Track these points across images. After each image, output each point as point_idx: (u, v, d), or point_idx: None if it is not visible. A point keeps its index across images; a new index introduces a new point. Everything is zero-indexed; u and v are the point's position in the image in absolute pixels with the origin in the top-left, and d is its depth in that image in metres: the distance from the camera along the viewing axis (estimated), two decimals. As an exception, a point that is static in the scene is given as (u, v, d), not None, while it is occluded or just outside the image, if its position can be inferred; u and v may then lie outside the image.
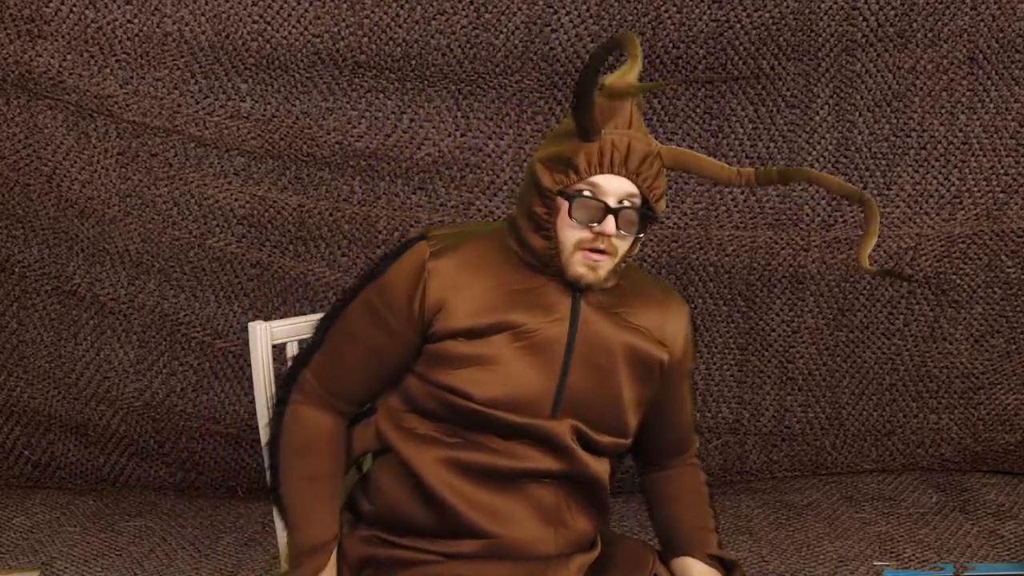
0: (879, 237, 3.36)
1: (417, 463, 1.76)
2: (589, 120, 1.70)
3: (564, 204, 1.72)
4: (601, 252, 1.72)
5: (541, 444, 1.76)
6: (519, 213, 1.79)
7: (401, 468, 1.78)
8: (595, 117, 1.71)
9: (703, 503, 1.95)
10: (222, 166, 3.24)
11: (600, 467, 1.82)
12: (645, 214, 1.74)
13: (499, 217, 3.27)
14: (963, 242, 3.38)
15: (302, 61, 3.19)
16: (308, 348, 1.84)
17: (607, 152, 1.71)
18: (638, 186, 1.72)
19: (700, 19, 3.21)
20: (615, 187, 1.72)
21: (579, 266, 1.73)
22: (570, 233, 1.73)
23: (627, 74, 1.75)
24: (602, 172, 1.71)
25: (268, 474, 1.84)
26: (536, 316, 1.75)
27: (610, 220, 1.70)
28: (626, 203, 1.73)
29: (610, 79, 1.75)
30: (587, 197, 1.71)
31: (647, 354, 1.82)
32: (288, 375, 1.84)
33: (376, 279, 1.78)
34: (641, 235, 1.77)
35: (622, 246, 1.74)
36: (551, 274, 1.77)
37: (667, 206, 3.31)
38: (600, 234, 1.71)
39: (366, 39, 3.18)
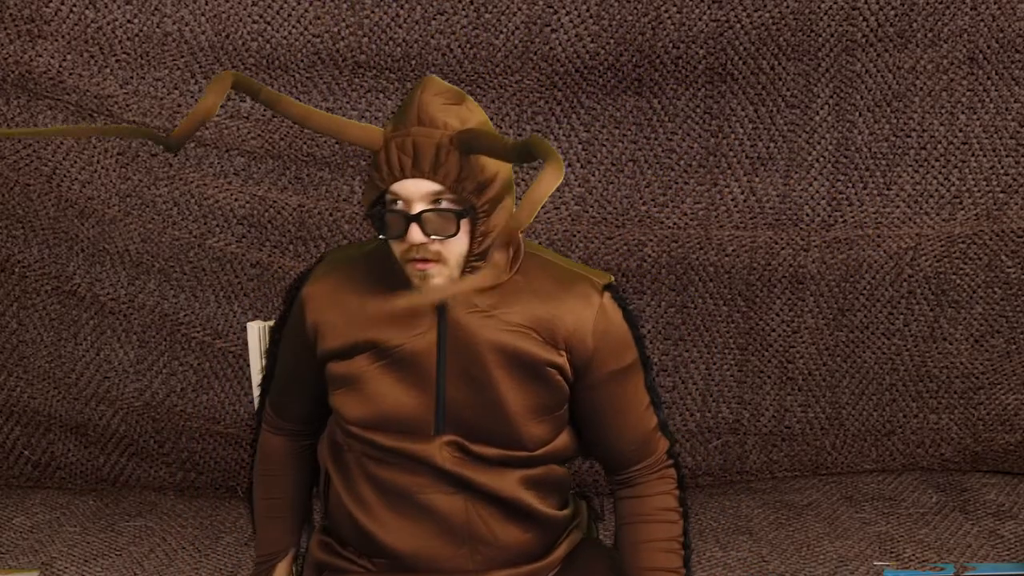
0: (880, 238, 3.37)
1: (336, 477, 1.79)
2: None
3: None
4: (426, 260, 1.62)
5: (421, 464, 1.71)
6: None
7: (332, 483, 1.81)
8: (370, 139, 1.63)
9: (671, 537, 1.82)
10: (222, 166, 3.24)
11: (499, 482, 1.72)
12: (456, 211, 1.60)
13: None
14: (963, 242, 3.38)
15: (302, 61, 3.19)
16: (265, 377, 1.94)
17: (393, 158, 1.60)
18: (440, 183, 1.59)
19: (700, 19, 3.21)
20: (416, 190, 1.60)
21: (413, 278, 1.65)
22: (394, 247, 1.65)
23: (188, 124, 1.54)
24: (396, 179, 1.60)
25: (246, 489, 2.05)
26: (401, 331, 1.68)
27: (413, 228, 1.59)
28: (440, 203, 1.61)
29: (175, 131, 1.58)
30: (382, 211, 1.62)
31: (529, 356, 1.68)
32: (259, 403, 1.96)
33: (287, 312, 1.85)
34: (483, 227, 1.63)
35: (453, 248, 1.62)
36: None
37: (667, 206, 3.31)
38: (413, 245, 1.61)
39: (366, 39, 3.18)
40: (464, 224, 1.62)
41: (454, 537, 1.73)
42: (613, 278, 1.77)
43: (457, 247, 1.63)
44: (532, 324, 1.69)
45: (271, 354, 1.89)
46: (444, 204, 1.61)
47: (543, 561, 1.80)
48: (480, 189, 1.62)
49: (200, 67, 3.18)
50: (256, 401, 1.98)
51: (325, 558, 1.83)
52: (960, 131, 3.34)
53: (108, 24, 3.12)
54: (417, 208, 1.60)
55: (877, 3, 3.24)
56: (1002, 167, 3.37)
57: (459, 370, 1.69)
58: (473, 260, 1.65)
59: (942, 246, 3.38)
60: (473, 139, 1.59)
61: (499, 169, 1.64)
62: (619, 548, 1.83)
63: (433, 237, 1.61)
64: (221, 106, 3.17)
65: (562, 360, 1.70)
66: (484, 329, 1.68)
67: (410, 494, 1.72)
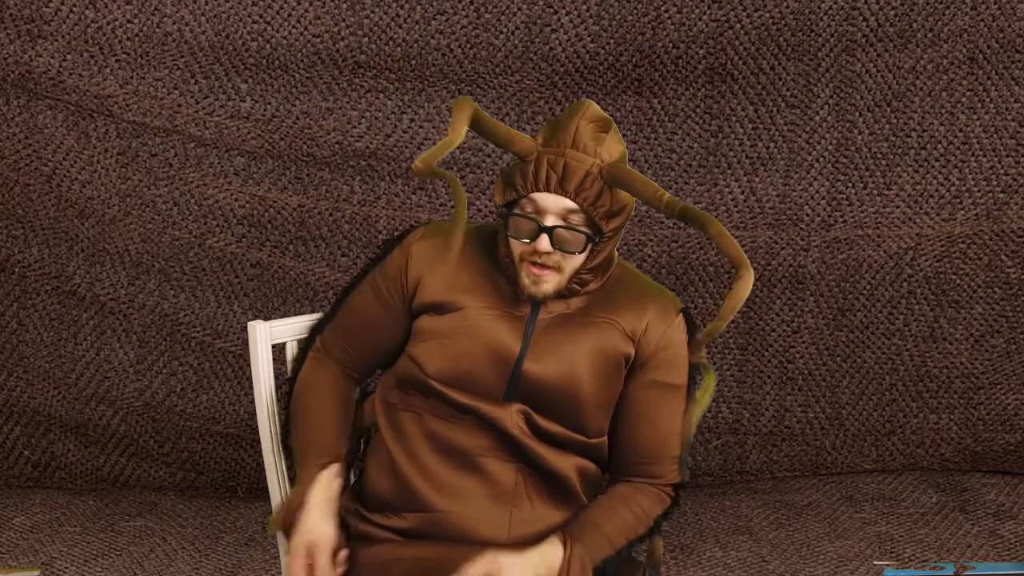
0: (880, 238, 3.37)
1: (388, 434, 1.84)
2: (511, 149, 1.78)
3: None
4: (544, 267, 1.76)
5: (488, 427, 1.79)
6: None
7: (379, 440, 1.86)
8: (522, 146, 1.77)
9: (632, 520, 1.80)
10: (222, 166, 3.24)
11: (559, 460, 1.80)
12: (587, 234, 1.75)
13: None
14: (963, 242, 3.38)
15: (302, 61, 3.19)
16: (324, 318, 1.96)
17: (541, 172, 1.74)
18: (579, 204, 1.74)
19: (700, 19, 3.21)
20: (553, 204, 1.74)
21: (525, 277, 1.78)
22: (515, 245, 1.78)
23: (436, 153, 1.74)
24: (538, 191, 1.74)
25: (280, 427, 1.96)
26: (500, 303, 1.81)
27: (543, 238, 1.74)
28: (570, 220, 1.74)
29: (420, 158, 1.75)
30: (519, 215, 1.75)
31: (612, 348, 1.80)
32: (306, 339, 1.96)
33: (382, 260, 1.91)
34: (601, 248, 1.78)
35: (571, 262, 1.77)
36: (513, 277, 1.81)
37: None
38: (536, 251, 1.75)
39: (366, 39, 3.18)
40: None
41: (499, 504, 1.78)
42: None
43: (574, 262, 1.77)
44: (618, 317, 1.81)
45: (345, 293, 1.94)
46: (574, 221, 1.75)
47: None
48: (610, 216, 1.77)
49: (200, 67, 3.18)
50: (301, 348, 1.97)
51: (351, 522, 1.85)
52: (960, 131, 3.34)
53: (108, 24, 3.12)
54: (550, 220, 1.75)
55: (877, 3, 3.24)
56: (1002, 167, 3.37)
57: (541, 349, 1.79)
58: (583, 274, 1.79)
59: (942, 246, 3.38)
60: (622, 178, 1.75)
61: (628, 202, 1.80)
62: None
63: (560, 250, 1.75)
64: (221, 106, 3.19)
65: (631, 352, 1.82)
66: (574, 319, 1.81)
67: (469, 455, 1.79)
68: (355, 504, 1.87)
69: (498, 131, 1.78)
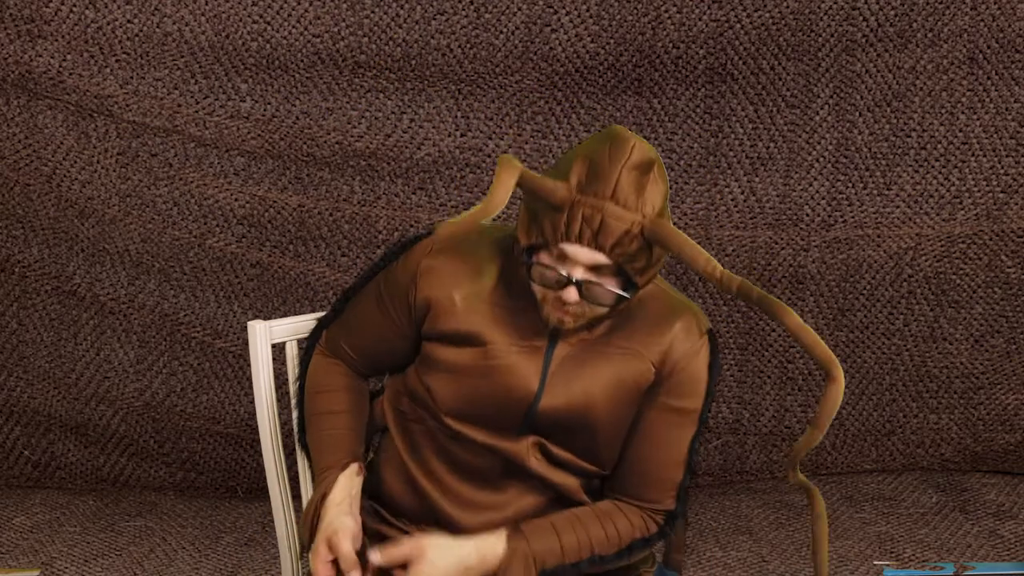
0: (880, 238, 3.37)
1: (401, 444, 1.78)
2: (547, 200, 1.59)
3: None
4: (567, 313, 1.63)
5: (504, 460, 1.72)
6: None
7: (392, 448, 1.80)
8: (555, 195, 1.58)
9: (605, 536, 1.73)
10: (222, 166, 3.24)
11: (569, 480, 1.75)
12: (621, 296, 1.61)
13: (501, 220, 3.27)
14: (963, 242, 3.38)
15: (302, 61, 3.19)
16: (330, 314, 1.88)
17: (575, 224, 1.57)
18: (612, 260, 1.59)
19: (700, 19, 3.21)
20: (584, 257, 1.59)
21: (547, 317, 1.66)
22: (537, 288, 1.65)
23: (471, 217, 1.57)
24: (569, 243, 1.58)
25: (296, 426, 1.91)
26: (515, 336, 1.69)
27: (571, 290, 1.60)
28: (601, 272, 1.60)
29: (447, 224, 1.59)
30: (545, 267, 1.60)
31: (631, 378, 1.70)
32: (311, 336, 1.90)
33: (387, 267, 1.79)
34: (627, 295, 1.63)
35: (596, 310, 1.64)
36: (534, 302, 1.69)
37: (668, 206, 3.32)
38: (561, 299, 1.61)
39: (366, 39, 3.18)
40: None
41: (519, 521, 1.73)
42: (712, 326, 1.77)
43: (599, 310, 1.65)
44: (640, 346, 1.70)
45: (350, 291, 1.84)
46: (605, 273, 1.61)
47: None
48: (644, 271, 1.63)
49: (200, 67, 3.18)
50: (306, 345, 1.91)
51: (367, 522, 1.80)
52: (960, 131, 3.34)
53: (108, 24, 3.12)
54: (579, 272, 1.60)
55: (877, 3, 3.24)
56: (1002, 167, 3.37)
57: (559, 383, 1.70)
58: (606, 318, 1.68)
59: (942, 246, 3.38)
60: (665, 240, 1.58)
61: (662, 254, 1.64)
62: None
63: (587, 303, 1.61)
64: (221, 106, 3.19)
65: (651, 379, 1.71)
66: (596, 352, 1.70)
67: (488, 475, 1.73)
68: (371, 502, 1.83)
69: (543, 187, 1.58)
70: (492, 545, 1.66)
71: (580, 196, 1.57)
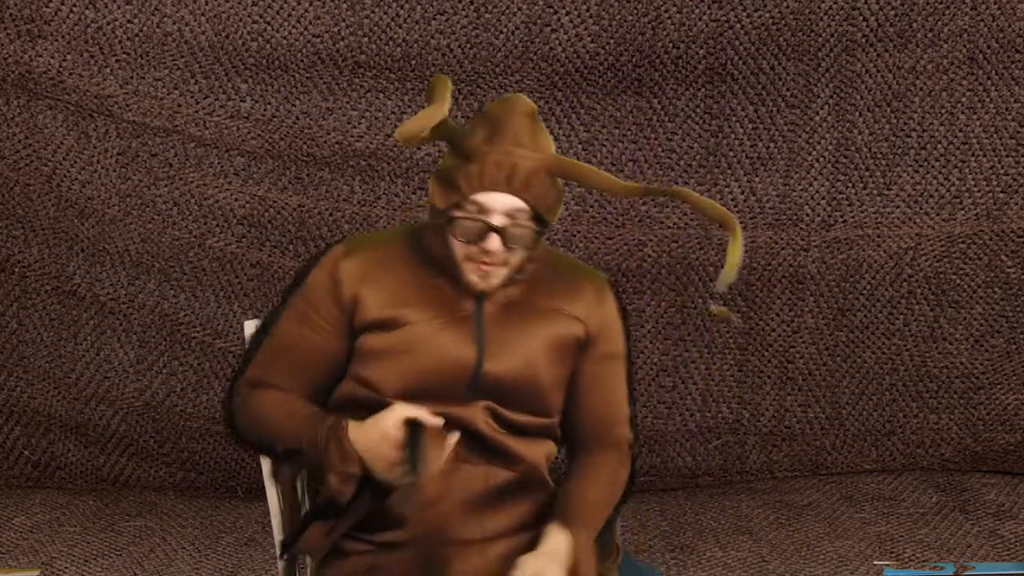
0: (880, 238, 3.37)
1: None
2: (460, 147, 1.72)
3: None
4: (491, 264, 1.74)
5: (456, 429, 1.76)
6: (427, 219, 1.81)
7: None
8: (466, 145, 1.72)
9: (609, 487, 1.86)
10: (222, 166, 3.24)
11: (530, 450, 1.81)
12: (538, 231, 1.74)
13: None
14: (963, 242, 3.38)
15: (302, 61, 3.19)
16: (242, 364, 1.86)
17: (488, 173, 1.71)
18: (526, 201, 1.72)
19: (700, 19, 3.21)
20: (500, 203, 1.72)
21: (471, 274, 1.76)
22: (459, 247, 1.74)
23: (425, 118, 1.71)
24: (484, 191, 1.71)
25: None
26: (444, 308, 1.78)
27: (493, 238, 1.72)
28: (516, 217, 1.73)
29: (404, 125, 1.71)
30: (466, 219, 1.72)
31: (564, 333, 1.82)
32: (227, 394, 1.86)
33: (299, 287, 1.83)
34: (542, 236, 1.77)
35: (517, 255, 1.76)
36: (453, 276, 1.79)
37: (667, 206, 3.32)
38: (485, 250, 1.72)
39: (366, 39, 3.18)
40: None
41: (470, 506, 1.77)
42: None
43: (519, 256, 1.76)
44: (563, 304, 1.82)
45: (258, 343, 1.85)
46: (521, 218, 1.73)
47: (529, 534, 1.84)
48: (553, 209, 1.76)
49: (200, 67, 3.18)
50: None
51: (328, 543, 1.80)
52: (960, 131, 3.34)
53: (108, 24, 3.12)
54: (497, 219, 1.72)
55: (877, 3, 3.24)
56: (1002, 167, 3.37)
57: (498, 347, 1.79)
58: (521, 273, 1.79)
59: (942, 246, 3.38)
60: (571, 172, 1.75)
61: (562, 189, 1.78)
62: (564, 484, 1.89)
63: (510, 247, 1.73)
64: (221, 106, 3.19)
65: (581, 335, 1.83)
66: (521, 308, 1.81)
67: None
68: (324, 523, 1.81)
69: (460, 129, 1.75)
70: (560, 541, 1.73)
71: (486, 147, 1.72)
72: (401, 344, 1.77)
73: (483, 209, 1.72)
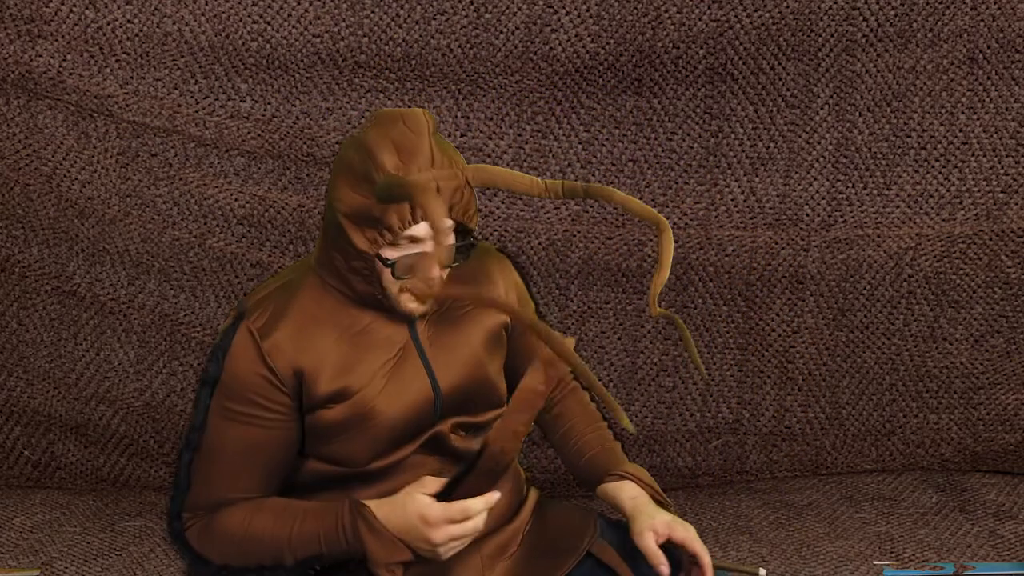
0: (880, 238, 3.37)
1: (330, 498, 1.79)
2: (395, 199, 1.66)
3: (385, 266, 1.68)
4: (431, 289, 1.73)
5: (429, 450, 1.78)
6: (335, 255, 1.72)
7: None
8: (377, 177, 1.66)
9: (598, 423, 2.00)
10: (222, 166, 3.24)
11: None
12: (470, 244, 1.74)
13: (498, 218, 3.27)
14: (963, 242, 3.38)
15: (302, 61, 3.19)
16: (176, 495, 1.78)
17: (420, 206, 1.65)
18: (453, 218, 1.70)
19: (700, 19, 3.21)
20: (425, 229, 1.69)
21: (408, 303, 1.73)
22: (394, 283, 1.71)
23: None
24: (416, 223, 1.66)
25: None
26: (384, 348, 1.75)
27: (435, 267, 1.70)
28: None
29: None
30: (406, 257, 1.68)
31: (493, 325, 1.87)
32: (172, 535, 1.77)
33: (219, 385, 1.74)
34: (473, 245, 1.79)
35: (446, 274, 1.76)
36: (381, 309, 1.75)
37: (667, 206, 3.32)
38: (430, 278, 1.70)
39: (366, 39, 3.18)
40: None
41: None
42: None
43: (447, 273, 1.77)
44: (480, 299, 1.84)
45: (188, 447, 1.76)
46: (450, 238, 1.73)
47: (516, 521, 1.85)
48: (475, 216, 1.74)
49: (200, 67, 3.18)
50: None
51: None
52: (960, 131, 3.34)
53: (108, 24, 3.12)
54: (429, 245, 1.68)
55: (877, 3, 3.24)
56: (1002, 167, 3.37)
57: (443, 361, 1.79)
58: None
59: (942, 246, 3.38)
60: (490, 179, 1.71)
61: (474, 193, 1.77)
62: (565, 450, 2.00)
63: (447, 268, 1.73)
64: (221, 106, 3.19)
65: (507, 319, 1.89)
66: (449, 315, 1.82)
67: (435, 473, 1.78)
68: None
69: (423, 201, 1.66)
70: (638, 493, 1.86)
71: (406, 176, 1.64)
72: (359, 411, 1.72)
73: (414, 239, 1.68)
